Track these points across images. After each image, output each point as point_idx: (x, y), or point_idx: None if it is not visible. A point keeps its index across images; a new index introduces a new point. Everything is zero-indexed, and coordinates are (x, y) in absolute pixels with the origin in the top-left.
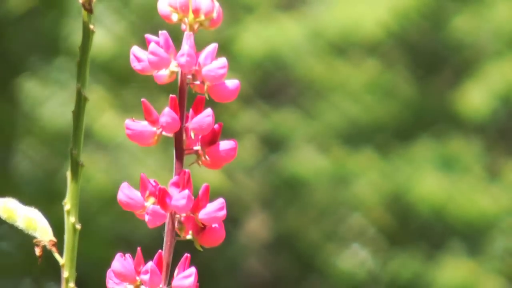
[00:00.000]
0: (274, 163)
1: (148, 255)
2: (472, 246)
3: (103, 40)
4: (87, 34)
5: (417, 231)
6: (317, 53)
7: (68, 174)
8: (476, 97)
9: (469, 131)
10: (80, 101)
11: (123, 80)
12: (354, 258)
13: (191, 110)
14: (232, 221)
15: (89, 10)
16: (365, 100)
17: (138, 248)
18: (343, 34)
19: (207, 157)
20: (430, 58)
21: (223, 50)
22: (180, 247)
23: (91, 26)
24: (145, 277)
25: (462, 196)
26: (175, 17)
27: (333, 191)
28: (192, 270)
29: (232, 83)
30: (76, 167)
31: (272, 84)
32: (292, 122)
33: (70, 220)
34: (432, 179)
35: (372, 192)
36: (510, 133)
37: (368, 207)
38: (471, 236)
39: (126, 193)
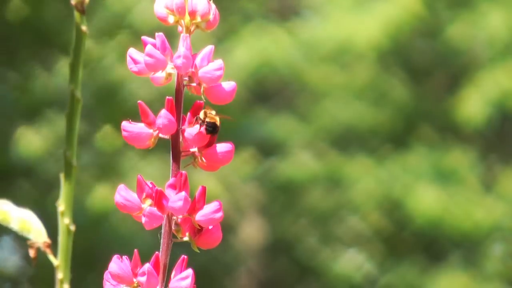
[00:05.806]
0: (270, 168)
1: (145, 257)
2: (468, 256)
3: None
4: (80, 35)
5: (412, 238)
6: (313, 61)
7: (62, 176)
8: (471, 104)
9: (464, 139)
10: (73, 103)
11: None
12: (350, 262)
13: (188, 113)
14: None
15: (82, 11)
16: (361, 107)
17: (135, 250)
18: (337, 47)
19: (203, 159)
20: (425, 66)
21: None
22: (177, 249)
23: (83, 27)
24: (142, 279)
25: (458, 207)
26: (171, 19)
27: (329, 196)
28: (189, 272)
29: (228, 85)
30: (70, 169)
31: (268, 91)
32: (288, 128)
33: (64, 222)
34: (427, 190)
35: (367, 198)
36: (505, 140)
37: (364, 212)
38: (467, 247)
39: (123, 195)
